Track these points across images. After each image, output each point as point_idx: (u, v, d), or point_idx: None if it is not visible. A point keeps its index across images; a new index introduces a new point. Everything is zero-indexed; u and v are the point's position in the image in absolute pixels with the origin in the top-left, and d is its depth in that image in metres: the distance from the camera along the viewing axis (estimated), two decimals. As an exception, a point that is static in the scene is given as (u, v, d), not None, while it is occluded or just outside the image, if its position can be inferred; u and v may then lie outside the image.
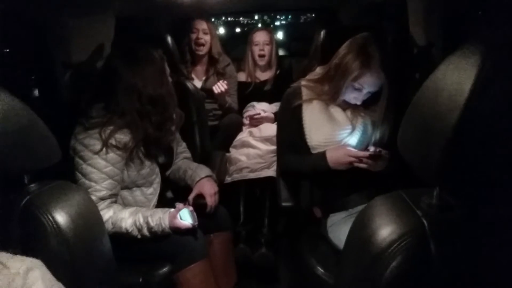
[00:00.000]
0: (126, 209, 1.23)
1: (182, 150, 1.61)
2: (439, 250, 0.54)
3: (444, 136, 0.50)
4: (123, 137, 1.21)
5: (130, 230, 1.20)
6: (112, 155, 1.20)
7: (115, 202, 1.27)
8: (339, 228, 1.29)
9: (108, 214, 1.18)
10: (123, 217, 1.20)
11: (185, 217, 1.23)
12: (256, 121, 2.16)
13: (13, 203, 0.76)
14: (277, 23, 5.28)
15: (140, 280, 1.23)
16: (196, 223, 1.24)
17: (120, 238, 1.19)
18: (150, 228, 1.20)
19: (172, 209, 1.25)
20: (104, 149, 1.18)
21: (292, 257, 1.61)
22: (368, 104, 1.32)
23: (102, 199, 1.20)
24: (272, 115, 2.19)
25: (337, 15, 2.30)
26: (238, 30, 5.10)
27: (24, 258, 0.66)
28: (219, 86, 2.07)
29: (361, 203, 1.35)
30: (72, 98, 1.55)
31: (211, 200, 1.38)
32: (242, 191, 2.03)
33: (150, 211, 1.23)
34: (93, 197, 1.14)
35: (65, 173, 1.26)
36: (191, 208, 1.27)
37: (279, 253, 1.82)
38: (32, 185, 0.80)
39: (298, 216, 1.46)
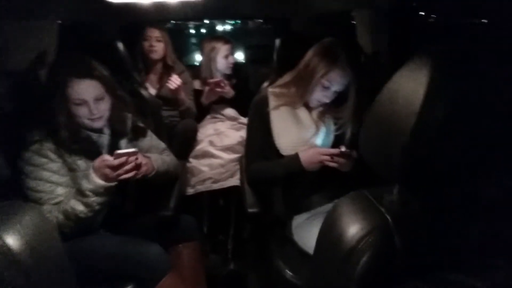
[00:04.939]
0: (70, 197, 1.19)
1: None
2: (402, 241, 0.58)
3: (403, 139, 0.55)
4: (51, 145, 1.19)
5: (86, 211, 1.16)
6: (51, 164, 1.18)
7: None
8: (303, 229, 1.33)
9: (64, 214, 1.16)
10: (72, 205, 1.16)
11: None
12: (217, 87, 2.05)
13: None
14: (233, 31, 5.30)
15: (102, 301, 1.15)
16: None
17: (80, 258, 1.11)
18: (89, 193, 1.15)
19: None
20: (41, 160, 1.17)
21: (259, 262, 1.61)
22: (336, 106, 1.38)
23: (57, 204, 1.16)
24: (232, 92, 2.13)
25: (290, 24, 2.38)
26: (191, 36, 5.03)
27: None
28: (174, 81, 1.97)
29: (323, 203, 1.40)
30: (13, 109, 1.41)
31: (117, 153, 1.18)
32: (206, 201, 1.99)
33: (84, 179, 1.18)
34: (48, 206, 1.15)
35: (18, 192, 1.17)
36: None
37: (247, 259, 1.82)
38: (-22, 207, 0.72)
39: (264, 221, 1.47)
